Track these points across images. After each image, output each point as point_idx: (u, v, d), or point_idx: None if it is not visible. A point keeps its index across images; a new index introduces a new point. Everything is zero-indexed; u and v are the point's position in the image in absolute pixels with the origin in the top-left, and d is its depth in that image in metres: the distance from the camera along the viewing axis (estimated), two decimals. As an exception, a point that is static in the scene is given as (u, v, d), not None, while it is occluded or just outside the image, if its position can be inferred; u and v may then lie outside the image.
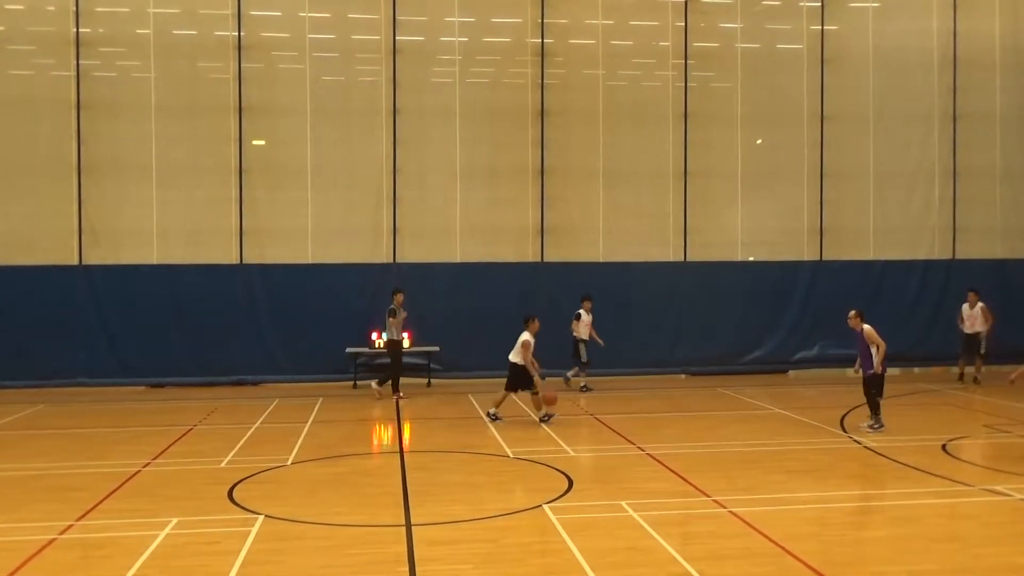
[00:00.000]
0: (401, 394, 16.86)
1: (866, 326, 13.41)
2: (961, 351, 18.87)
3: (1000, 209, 21.35)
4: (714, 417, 15.16)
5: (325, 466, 11.43)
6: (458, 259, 19.37)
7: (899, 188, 20.92)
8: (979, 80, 21.19)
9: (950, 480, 10.41)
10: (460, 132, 19.41)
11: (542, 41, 19.61)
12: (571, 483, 10.30)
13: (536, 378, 14.29)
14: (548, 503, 9.42)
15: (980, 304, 18.54)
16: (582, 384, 17.95)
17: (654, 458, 11.71)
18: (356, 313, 18.61)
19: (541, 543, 8.29)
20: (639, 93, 20.19)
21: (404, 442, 13.48)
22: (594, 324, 17.86)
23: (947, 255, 21.16)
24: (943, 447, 12.26)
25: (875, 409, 13.49)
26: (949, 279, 20.78)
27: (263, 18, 18.94)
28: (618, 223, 19.94)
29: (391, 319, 16.97)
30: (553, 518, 8.89)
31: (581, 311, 17.85)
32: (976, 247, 21.19)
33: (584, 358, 17.81)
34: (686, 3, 20.07)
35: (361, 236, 19.14)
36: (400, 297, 17.15)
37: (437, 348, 18.79)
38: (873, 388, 13.47)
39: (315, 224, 18.98)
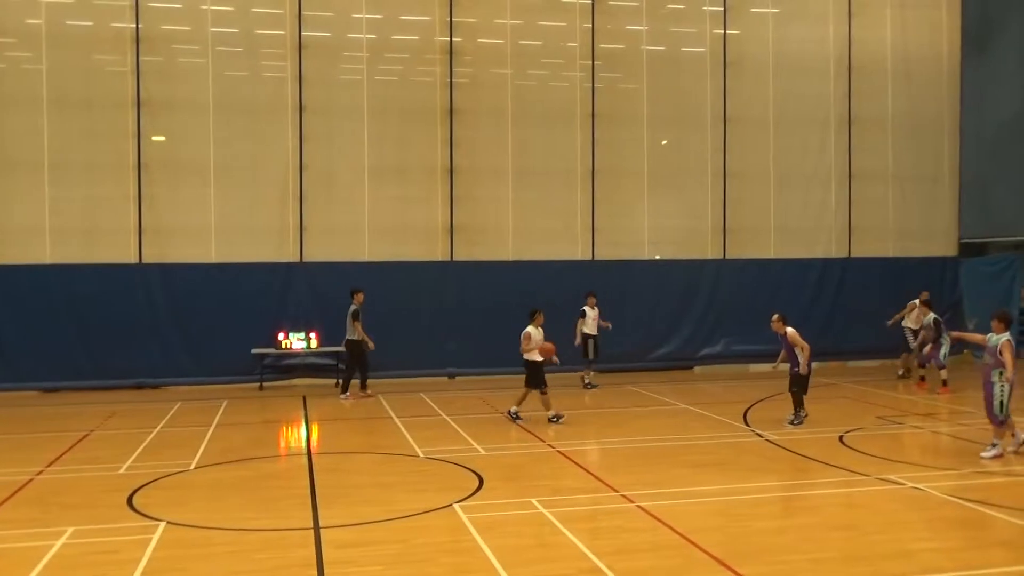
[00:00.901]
0: (350, 395, 16.79)
1: (789, 329, 13.80)
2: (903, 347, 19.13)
3: (892, 210, 22.24)
4: (622, 413, 15.38)
5: (230, 470, 11.16)
6: (367, 258, 19.15)
7: (798, 189, 21.59)
8: (872, 86, 22.04)
9: (847, 470, 10.78)
10: (368, 130, 19.21)
11: (450, 40, 19.56)
12: (482, 482, 10.31)
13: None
14: (459, 502, 9.40)
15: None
16: (586, 381, 18.05)
17: (564, 455, 11.81)
18: (262, 313, 18.24)
19: (452, 542, 8.27)
20: (547, 93, 20.33)
21: (312, 444, 13.28)
22: (602, 316, 18.09)
23: (843, 253, 21.94)
24: (840, 439, 12.70)
25: (798, 405, 13.85)
26: (845, 276, 21.60)
27: (162, 10, 18.37)
28: (527, 222, 20.04)
29: (354, 321, 16.72)
30: (464, 517, 8.88)
31: (586, 307, 17.96)
32: (870, 246, 22.05)
33: (591, 355, 17.90)
34: (593, 5, 20.29)
35: (266, 235, 18.75)
36: (360, 297, 16.96)
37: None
38: (796, 386, 13.84)
39: (218, 222, 18.51)
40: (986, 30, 23.88)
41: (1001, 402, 11.49)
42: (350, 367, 16.95)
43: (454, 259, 19.60)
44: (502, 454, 11.97)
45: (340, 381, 17.29)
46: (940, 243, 22.62)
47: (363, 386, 17.00)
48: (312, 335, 18.27)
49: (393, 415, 14.99)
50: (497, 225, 19.96)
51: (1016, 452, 11.61)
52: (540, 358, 14.17)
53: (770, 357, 16.16)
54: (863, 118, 21.95)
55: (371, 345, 16.79)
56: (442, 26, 19.57)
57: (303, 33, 18.81)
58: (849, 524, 8.76)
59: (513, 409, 14.41)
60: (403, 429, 13.77)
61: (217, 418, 14.81)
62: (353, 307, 16.80)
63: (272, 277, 18.61)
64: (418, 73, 19.66)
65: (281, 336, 18.11)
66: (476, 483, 10.24)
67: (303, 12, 18.79)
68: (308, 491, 10.00)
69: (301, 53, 18.80)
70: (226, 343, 18.13)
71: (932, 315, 17.32)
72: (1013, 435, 11.77)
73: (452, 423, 14.22)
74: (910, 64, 22.28)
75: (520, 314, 19.35)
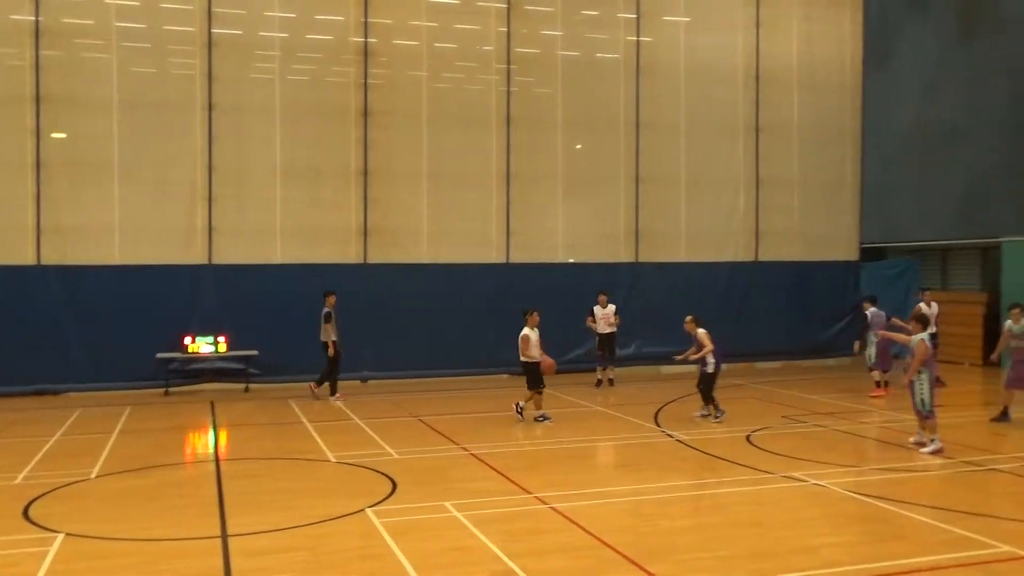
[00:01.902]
0: (337, 394, 16.76)
1: (700, 330, 14.41)
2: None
3: (797, 215, 22.91)
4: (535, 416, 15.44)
5: (133, 478, 10.83)
6: (279, 260, 18.83)
7: (708, 194, 22.06)
8: (778, 95, 22.67)
9: (753, 469, 11.06)
10: (281, 130, 18.88)
11: (365, 40, 19.38)
12: (395, 486, 10.23)
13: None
14: (371, 507, 9.31)
15: (935, 305, 18.85)
16: (604, 378, 18.72)
17: (477, 458, 11.81)
18: (169, 317, 17.75)
19: (364, 548, 8.18)
20: (463, 96, 20.31)
21: (220, 450, 12.97)
22: (619, 312, 18.69)
23: (751, 257, 22.51)
24: (747, 438, 13.02)
25: (708, 401, 14.43)
26: (752, 279, 22.17)
27: (64, 2, 17.73)
28: (442, 224, 19.99)
29: (325, 323, 16.60)
30: (376, 522, 8.80)
31: (596, 306, 18.52)
32: (776, 250, 22.67)
33: (607, 352, 18.61)
34: (508, 9, 20.37)
35: (174, 236, 18.24)
36: (332, 299, 16.81)
37: (255, 352, 18.21)
38: (703, 384, 14.44)
39: (123, 223, 17.93)
40: (886, 44, 24.86)
41: (922, 399, 12.06)
42: (331, 368, 16.83)
43: (368, 261, 19.41)
44: (415, 458, 11.90)
45: (315, 384, 17.17)
46: (843, 248, 23.39)
47: (318, 384, 16.98)
48: (221, 339, 17.87)
49: (304, 420, 14.76)
50: (412, 227, 19.85)
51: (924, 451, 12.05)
52: (537, 359, 14.35)
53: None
54: (770, 126, 22.57)
55: (331, 351, 16.74)
56: (356, 27, 19.38)
57: (213, 30, 18.39)
58: (755, 521, 8.97)
59: (539, 413, 14.51)
60: (314, 434, 13.57)
61: (120, 425, 14.34)
62: (325, 310, 16.69)
63: (179, 279, 18.12)
64: (332, 73, 19.42)
65: (188, 340, 17.66)
66: (389, 487, 10.16)
67: (213, 8, 18.37)
68: (215, 499, 9.77)
69: (211, 50, 18.37)
70: (130, 348, 17.58)
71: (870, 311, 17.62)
72: (932, 439, 12.11)
73: (365, 427, 14.08)
74: (815, 74, 23.00)
75: (435, 317, 19.51)
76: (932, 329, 17.76)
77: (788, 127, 22.77)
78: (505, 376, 19.97)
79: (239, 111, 18.59)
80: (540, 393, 14.47)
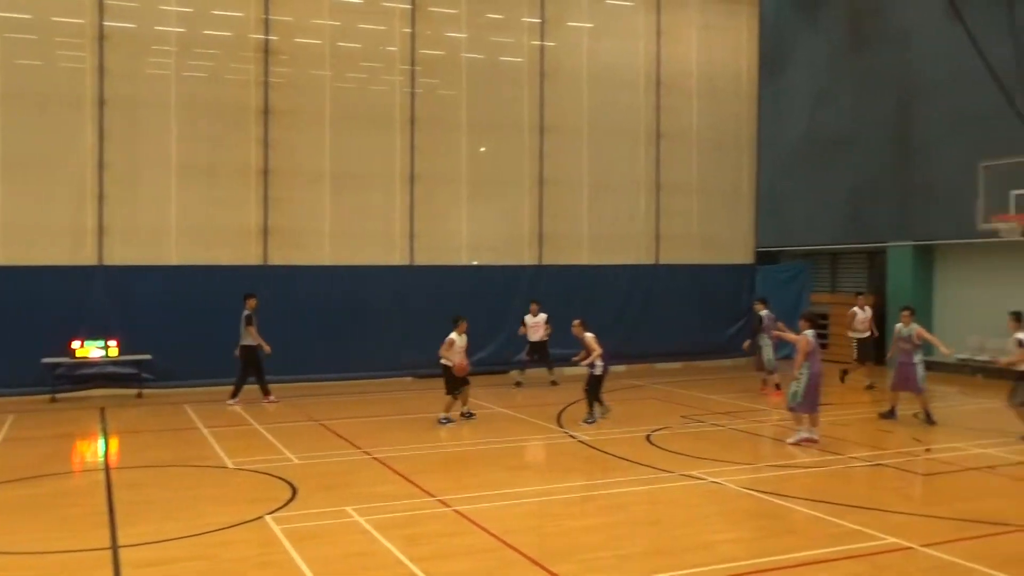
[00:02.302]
0: (238, 400, 16.34)
1: (588, 335, 14.53)
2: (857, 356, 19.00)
3: (696, 219, 23.46)
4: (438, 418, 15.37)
5: (17, 488, 10.34)
6: (174, 261, 18.26)
7: (610, 197, 22.38)
8: (678, 102, 23.17)
9: (653, 468, 11.26)
10: (177, 127, 18.32)
11: (266, 38, 18.99)
12: (295, 491, 10.04)
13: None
14: (270, 513, 9.12)
15: (869, 309, 19.02)
16: (526, 379, 19.43)
17: (380, 461, 11.69)
18: (56, 320, 17.00)
19: (263, 555, 8.00)
20: (367, 96, 20.10)
21: (111, 458, 12.50)
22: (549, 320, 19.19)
23: (651, 260, 22.94)
24: (647, 437, 13.25)
25: (592, 403, 14.60)
26: (654, 282, 22.60)
27: (-58, -10, 16.87)
28: (345, 226, 19.73)
29: (247, 326, 16.17)
30: (276, 528, 8.62)
31: (528, 315, 19.24)
32: (676, 253, 23.16)
33: (542, 358, 19.31)
34: (413, 10, 20.26)
35: (61, 236, 17.49)
36: (253, 302, 16.38)
37: (149, 356, 17.63)
38: (590, 386, 14.58)
39: (6, 222, 17.10)
40: (780, 54, 25.69)
41: (795, 392, 12.62)
42: (242, 374, 16.42)
43: (269, 263, 19.02)
44: (316, 462, 11.71)
45: (261, 392, 16.80)
46: (739, 251, 24.06)
47: (265, 392, 16.62)
48: (112, 343, 17.24)
49: (200, 425, 14.36)
50: (314, 229, 19.53)
51: (795, 444, 12.64)
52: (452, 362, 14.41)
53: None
54: (670, 131, 23.04)
55: (267, 349, 16.39)
56: (257, 23, 18.97)
57: (104, 23, 17.73)
58: (655, 519, 9.14)
59: (465, 409, 14.78)
60: (211, 439, 13.21)
61: (3, 434, 13.68)
62: (246, 312, 16.27)
63: (68, 281, 17.38)
64: (231, 71, 18.94)
65: (76, 344, 16.97)
66: (289, 493, 9.97)
67: (105, 0, 17.73)
68: (106, 508, 9.41)
69: (102, 44, 17.71)
70: (14, 352, 16.77)
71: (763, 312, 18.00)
72: (798, 430, 12.77)
73: (264, 432, 13.78)
74: (713, 82, 23.59)
75: (337, 319, 19.24)
76: (865, 333, 18.40)
77: (688, 133, 23.30)
78: (409, 379, 19.86)
79: (132, 107, 17.97)
80: (455, 398, 14.52)
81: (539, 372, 19.65)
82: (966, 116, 20.21)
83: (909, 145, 22.07)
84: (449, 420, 14.46)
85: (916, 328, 14.65)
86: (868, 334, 18.78)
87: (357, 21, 19.97)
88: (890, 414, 14.82)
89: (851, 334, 18.89)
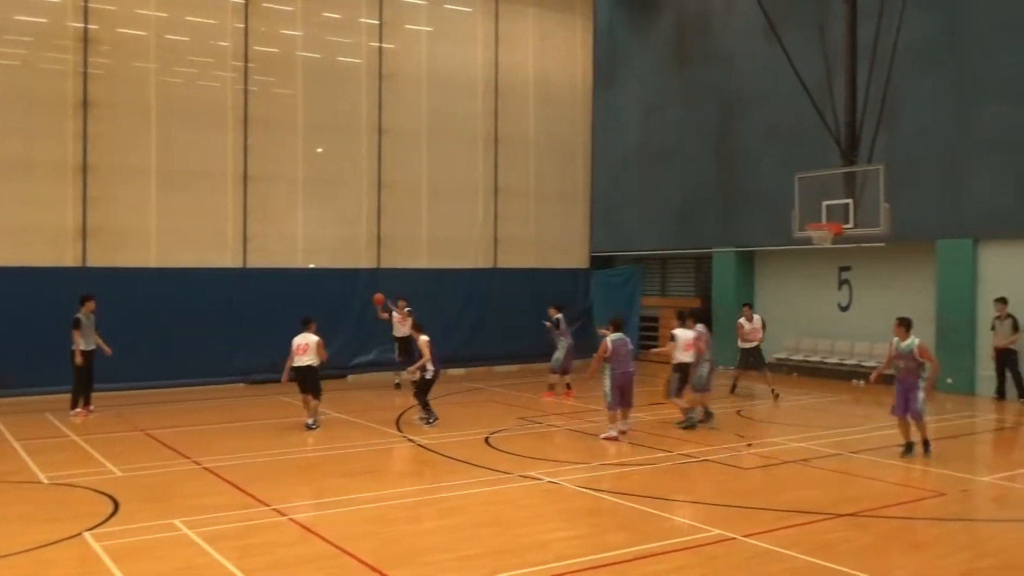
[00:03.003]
0: (79, 410, 15.26)
1: (422, 337, 14.61)
2: (739, 362, 18.65)
3: (533, 224, 23.89)
4: (273, 425, 14.94)
5: None
6: (-19, 263, 16.97)
7: (449, 201, 22.45)
8: (516, 108, 23.54)
9: (492, 470, 11.35)
10: (-16, 119, 17.06)
11: (85, 26, 17.92)
12: (117, 505, 9.50)
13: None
14: (90, 530, 8.58)
15: (757, 316, 18.70)
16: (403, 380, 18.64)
17: (211, 471, 11.24)
18: None
19: (81, 574, 7.52)
20: (197, 92, 19.31)
21: (-94, 476, 11.44)
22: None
23: (490, 264, 23.17)
24: (486, 440, 13.35)
25: (427, 406, 14.63)
26: (492, 286, 22.83)
27: None
28: (173, 226, 18.87)
29: (73, 330, 15.06)
30: (96, 545, 8.12)
31: (395, 312, 18.75)
32: (513, 257, 23.50)
33: (399, 357, 18.82)
34: (246, 5, 19.65)
35: None
36: (91, 304, 15.24)
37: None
38: (421, 389, 14.66)
39: None
40: (613, 66, 26.53)
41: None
42: (76, 381, 15.34)
43: (88, 265, 17.93)
44: (141, 474, 11.12)
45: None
46: (575, 256, 24.67)
47: (85, 403, 15.49)
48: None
49: (11, 438, 13.36)
50: (139, 229, 18.59)
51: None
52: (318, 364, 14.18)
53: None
54: (508, 137, 23.36)
55: (107, 351, 15.48)
56: (75, 10, 17.88)
57: (-101, 2, 16.28)
58: (494, 520, 9.21)
59: (310, 420, 14.28)
60: (23, 453, 12.31)
61: None
62: (76, 315, 15.20)
63: None
64: (46, 60, 17.77)
65: None
66: (111, 507, 9.42)
67: (-101, -23, 16.27)
68: (-100, 531, 8.60)
69: None
70: None
71: (557, 316, 18.20)
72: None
73: (83, 444, 12.98)
74: (550, 89, 24.10)
75: (163, 324, 18.37)
76: (754, 343, 18.49)
77: (525, 139, 23.68)
78: (242, 385, 19.22)
79: (-68, 95, 16.59)
80: (316, 400, 14.36)
81: (386, 375, 19.53)
82: (783, 130, 21.52)
83: (731, 156, 23.27)
84: (312, 426, 14.31)
85: (917, 343, 12.15)
86: (757, 343, 18.42)
87: (185, 13, 19.17)
88: (908, 449, 12.34)
89: (741, 344, 18.51)
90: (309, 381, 14.37)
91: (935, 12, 18.68)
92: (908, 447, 12.26)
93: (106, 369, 16.32)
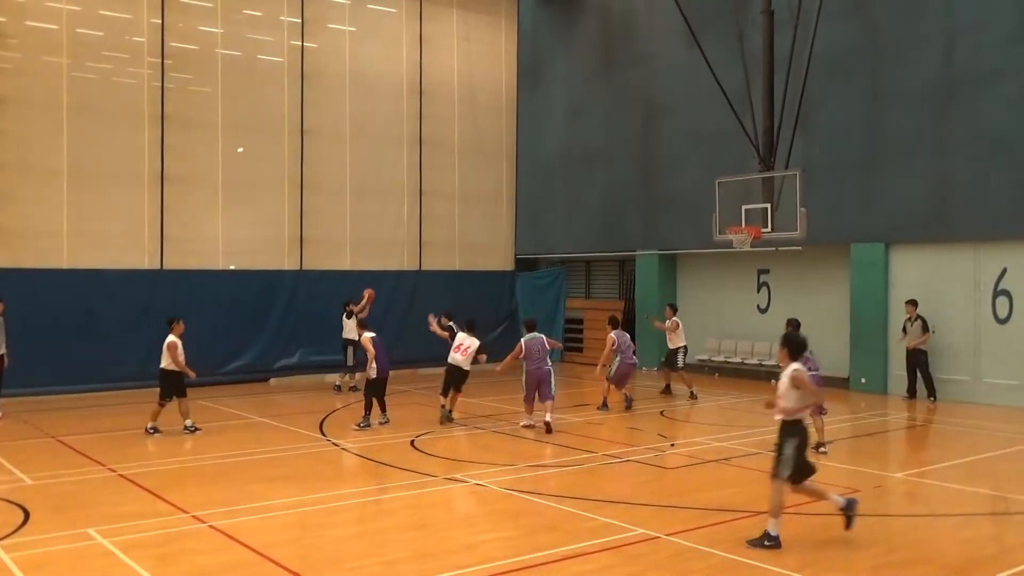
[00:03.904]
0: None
1: (364, 335, 14.53)
2: (664, 362, 19.05)
3: (458, 226, 23.86)
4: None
5: None
6: None
7: (373, 203, 22.28)
8: (441, 109, 23.50)
9: (418, 473, 11.28)
10: None
11: (-8, 18, 17.29)
12: (27, 515, 9.15)
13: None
14: (-3, 541, 8.25)
15: (675, 320, 18.56)
16: (337, 384, 18.88)
17: (126, 478, 10.92)
18: None
19: (-12, 588, 7.23)
20: (110, 88, 18.78)
21: None
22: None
23: (415, 266, 23.05)
24: (412, 442, 13.27)
25: (368, 409, 14.51)
26: (417, 288, 22.71)
27: None
28: (85, 227, 18.31)
29: None
30: (5, 557, 7.80)
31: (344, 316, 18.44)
32: (439, 259, 23.44)
33: (349, 362, 18.53)
34: (163, 0, 19.17)
35: None
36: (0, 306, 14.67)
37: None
38: (368, 390, 14.58)
39: None
40: (538, 70, 26.67)
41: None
42: None
43: (-5, 266, 17.29)
44: (53, 482, 10.74)
45: None
46: (500, 258, 24.73)
47: None
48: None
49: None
50: (49, 229, 17.99)
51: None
52: (176, 368, 13.64)
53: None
54: (433, 138, 23.29)
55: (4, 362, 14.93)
56: (-19, 2, 17.23)
57: None
58: (420, 524, 9.15)
59: (150, 425, 13.75)
60: (-74, 463, 11.79)
61: None
62: None
63: None
64: (-51, 52, 17.10)
65: None
66: (20, 517, 9.07)
67: None
68: None
69: None
70: None
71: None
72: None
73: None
74: (474, 91, 24.12)
75: (74, 328, 17.80)
76: (681, 343, 18.57)
77: (450, 141, 23.66)
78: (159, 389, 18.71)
79: None
80: (163, 405, 13.81)
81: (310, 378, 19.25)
82: (704, 135, 21.91)
83: (654, 160, 23.60)
84: (156, 430, 13.77)
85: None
86: (682, 344, 18.61)
87: (99, 7, 18.64)
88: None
89: (671, 345, 18.71)
90: (164, 384, 13.81)
91: (847, 23, 19.26)
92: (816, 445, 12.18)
93: (14, 373, 15.74)
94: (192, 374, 13.93)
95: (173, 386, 13.79)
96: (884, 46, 18.86)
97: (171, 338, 13.81)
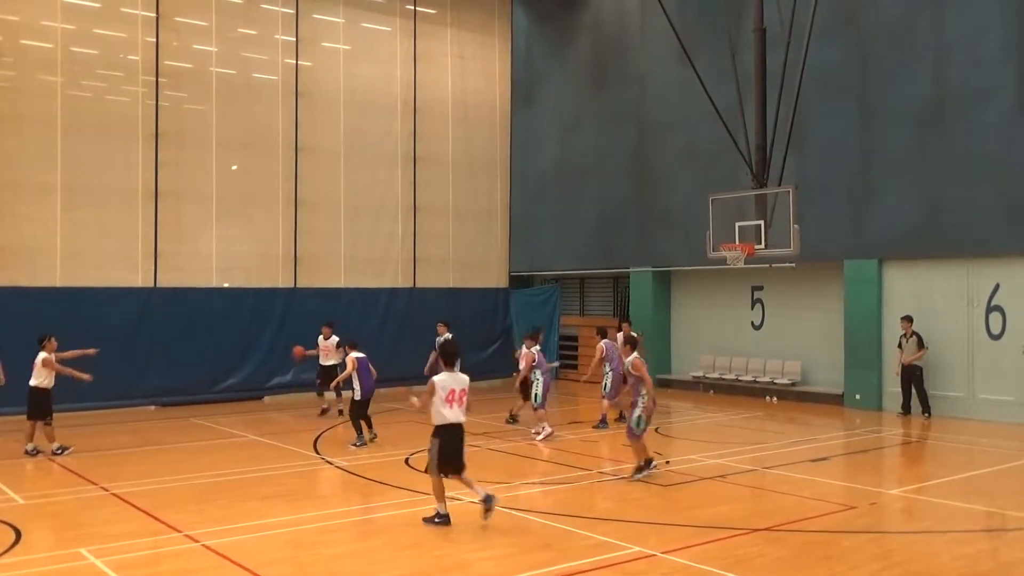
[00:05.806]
0: None
1: (351, 355, 14.36)
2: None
3: (452, 244, 23.88)
4: (186, 448, 14.55)
5: None
6: None
7: (367, 220, 22.30)
8: (434, 127, 23.56)
9: (412, 491, 11.22)
10: None
11: (-13, 36, 17.32)
12: (19, 535, 9.08)
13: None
14: (-11, 561, 8.19)
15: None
16: (333, 407, 17.95)
17: (119, 497, 10.85)
18: None
19: (-21, 609, 7.17)
20: (105, 106, 18.80)
21: None
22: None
23: (409, 283, 23.04)
24: (406, 461, 13.21)
25: (359, 429, 14.43)
26: (411, 305, 22.69)
27: None
28: (80, 244, 18.29)
29: None
30: (-5, 578, 7.75)
31: (320, 337, 18.11)
32: (433, 276, 23.45)
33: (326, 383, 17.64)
34: (157, 19, 19.23)
35: None
36: None
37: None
38: (355, 412, 14.50)
39: None
40: (531, 88, 26.76)
41: (536, 393, 15.36)
42: None
43: (-12, 284, 17.24)
44: (45, 501, 10.68)
45: None
46: (494, 275, 24.74)
47: None
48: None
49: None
50: (43, 247, 17.96)
51: (538, 439, 14.47)
52: (47, 386, 13.52)
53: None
54: (427, 156, 23.35)
55: (1, 379, 14.75)
56: (-25, 21, 17.26)
57: None
58: (414, 542, 9.10)
59: (30, 447, 13.56)
60: (-84, 482, 11.70)
61: None
62: None
63: None
64: (-56, 70, 17.11)
65: None
66: (12, 537, 9.00)
67: None
68: None
69: None
70: None
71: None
72: (542, 428, 14.80)
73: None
74: (468, 110, 24.20)
75: (69, 344, 17.62)
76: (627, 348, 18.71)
77: (444, 158, 23.71)
78: (152, 408, 18.67)
79: None
80: (49, 424, 13.65)
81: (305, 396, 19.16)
82: (697, 152, 21.99)
83: (647, 177, 23.66)
84: (65, 449, 13.69)
85: (633, 358, 12.15)
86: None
87: (93, 26, 18.68)
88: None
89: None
90: (32, 403, 13.59)
91: (838, 44, 19.38)
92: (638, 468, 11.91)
93: (5, 392, 15.64)
94: (87, 377, 13.82)
95: (42, 407, 13.54)
96: (875, 64, 18.99)
97: (44, 355, 13.61)
